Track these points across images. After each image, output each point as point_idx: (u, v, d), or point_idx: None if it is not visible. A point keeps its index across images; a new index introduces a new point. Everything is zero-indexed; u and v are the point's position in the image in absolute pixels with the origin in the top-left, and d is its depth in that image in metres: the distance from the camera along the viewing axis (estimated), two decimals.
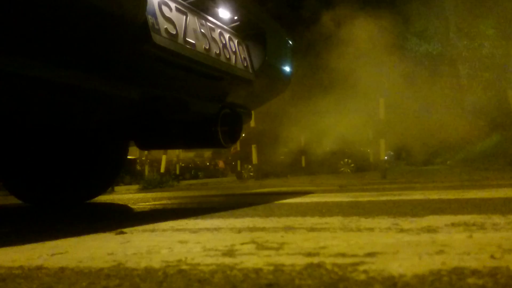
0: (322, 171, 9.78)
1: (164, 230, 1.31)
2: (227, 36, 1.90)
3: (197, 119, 2.07)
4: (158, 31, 1.43)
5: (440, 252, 0.81)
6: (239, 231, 1.22)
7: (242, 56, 1.99)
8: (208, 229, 1.28)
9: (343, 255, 0.83)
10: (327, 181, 4.96)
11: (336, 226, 1.22)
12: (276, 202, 2.21)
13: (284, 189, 3.83)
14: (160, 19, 1.47)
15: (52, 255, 0.98)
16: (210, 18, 1.80)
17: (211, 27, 1.79)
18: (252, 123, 7.29)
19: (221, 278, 0.71)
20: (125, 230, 1.33)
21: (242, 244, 1.00)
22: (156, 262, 0.85)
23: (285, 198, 2.43)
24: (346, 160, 10.68)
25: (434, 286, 0.61)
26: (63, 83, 1.32)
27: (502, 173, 4.30)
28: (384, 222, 1.25)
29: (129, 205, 2.71)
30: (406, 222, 1.22)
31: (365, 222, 1.28)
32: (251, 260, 0.83)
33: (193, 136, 2.23)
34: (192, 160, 20.77)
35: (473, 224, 1.12)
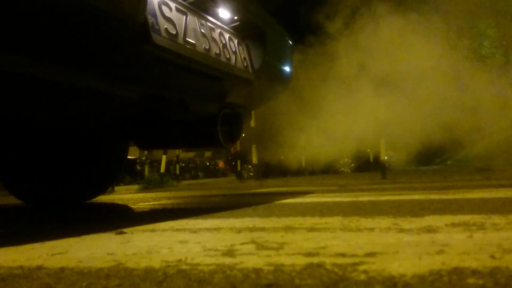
0: (322, 171, 9.77)
1: (164, 230, 1.31)
2: (227, 36, 1.90)
3: (197, 119, 2.07)
4: (158, 31, 1.43)
5: (440, 252, 0.81)
6: (239, 231, 1.22)
7: (242, 56, 1.99)
8: (208, 229, 1.28)
9: (343, 255, 0.83)
10: (327, 181, 4.96)
11: (336, 226, 1.22)
12: (276, 202, 2.21)
13: (284, 189, 3.83)
14: (160, 19, 1.47)
15: (52, 255, 0.98)
16: (210, 18, 1.80)
17: (211, 27, 1.79)
18: (252, 123, 7.29)
19: (221, 278, 0.71)
20: (125, 230, 1.33)
21: (242, 244, 1.00)
22: (156, 262, 0.85)
23: (285, 198, 2.43)
24: (346, 160, 10.69)
25: (434, 286, 0.61)
26: (63, 83, 1.32)
27: (502, 173, 4.30)
28: (384, 222, 1.25)
29: (129, 205, 2.71)
30: (406, 222, 1.22)
31: (365, 222, 1.28)
32: (251, 260, 0.83)
33: (193, 136, 2.23)
34: (192, 160, 20.76)
35: (473, 224, 1.12)
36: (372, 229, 1.13)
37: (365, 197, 2.21)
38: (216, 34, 1.81)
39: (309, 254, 0.85)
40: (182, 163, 14.07)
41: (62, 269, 0.83)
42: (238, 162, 10.66)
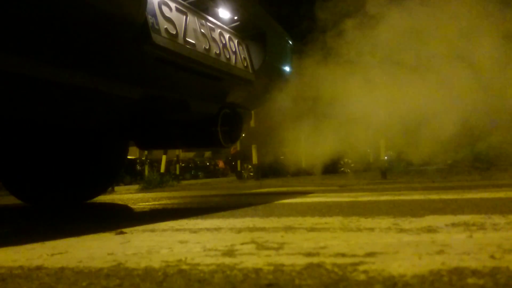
0: (322, 171, 9.77)
1: (164, 230, 1.31)
2: (227, 36, 1.90)
3: (197, 119, 2.07)
4: (158, 31, 1.44)
5: (440, 252, 0.81)
6: (239, 231, 1.22)
7: (242, 56, 1.99)
8: (208, 229, 1.28)
9: (343, 255, 0.83)
10: (327, 181, 4.96)
11: (336, 226, 1.22)
12: (276, 202, 2.21)
13: (284, 189, 3.83)
14: (160, 19, 1.47)
15: (52, 255, 0.98)
16: (210, 18, 1.80)
17: (211, 27, 1.79)
18: (252, 123, 7.29)
19: (221, 278, 0.71)
20: (125, 230, 1.33)
21: (242, 244, 1.00)
22: (156, 262, 0.85)
23: (285, 198, 2.43)
24: (346, 160, 10.68)
25: (434, 286, 0.61)
26: (63, 83, 1.32)
27: (502, 173, 4.30)
28: (384, 222, 1.25)
29: (129, 205, 2.71)
30: (406, 222, 1.22)
31: (365, 222, 1.28)
32: (251, 260, 0.83)
33: (193, 136, 2.23)
34: (192, 160, 20.77)
35: (473, 224, 1.12)
36: (372, 229, 1.13)
37: (365, 197, 2.21)
38: (216, 34, 1.81)
39: (309, 254, 0.85)
40: (182, 163, 14.08)
41: (62, 269, 0.83)
42: (238, 162, 10.65)
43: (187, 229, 1.30)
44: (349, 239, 1.00)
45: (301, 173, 9.70)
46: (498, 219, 1.20)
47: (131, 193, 4.76)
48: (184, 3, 1.64)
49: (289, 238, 1.06)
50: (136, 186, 6.91)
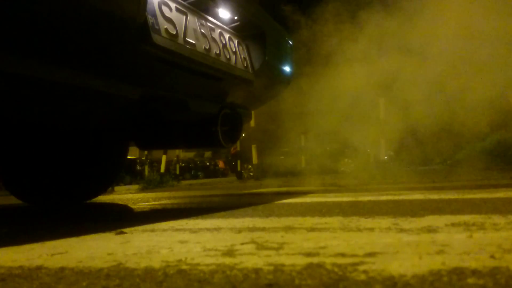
0: (322, 171, 9.77)
1: (164, 230, 1.31)
2: (227, 36, 1.90)
3: (197, 119, 2.07)
4: (158, 31, 1.44)
5: (440, 252, 0.81)
6: (239, 231, 1.22)
7: (242, 56, 1.99)
8: (208, 229, 1.28)
9: (343, 255, 0.83)
10: (327, 181, 4.96)
11: (336, 226, 1.22)
12: (276, 202, 2.21)
13: (284, 189, 3.83)
14: (160, 19, 1.47)
15: (52, 255, 0.98)
16: (210, 18, 1.80)
17: (211, 27, 1.79)
18: (252, 123, 7.29)
19: (221, 278, 0.71)
20: (125, 230, 1.33)
21: (242, 244, 1.00)
22: (156, 262, 0.85)
23: (285, 198, 2.43)
24: (346, 160, 10.68)
25: (434, 286, 0.61)
26: (63, 83, 1.32)
27: (502, 173, 4.30)
28: (384, 222, 1.25)
29: (129, 205, 2.71)
30: (406, 222, 1.22)
31: (365, 222, 1.28)
32: (251, 260, 0.83)
33: (193, 136, 2.23)
34: (192, 160, 20.79)
35: (473, 224, 1.12)
36: (372, 229, 1.13)
37: (365, 197, 2.21)
38: (216, 34, 1.81)
39: (309, 254, 0.85)
40: (182, 163, 14.10)
41: (62, 269, 0.83)
42: (238, 162, 10.66)
43: (187, 229, 1.30)
44: (349, 239, 1.00)
45: (301, 173, 9.70)
46: (498, 219, 1.20)
47: (131, 193, 4.76)
48: (184, 3, 1.64)
49: (289, 238, 1.06)
50: (136, 186, 6.91)
